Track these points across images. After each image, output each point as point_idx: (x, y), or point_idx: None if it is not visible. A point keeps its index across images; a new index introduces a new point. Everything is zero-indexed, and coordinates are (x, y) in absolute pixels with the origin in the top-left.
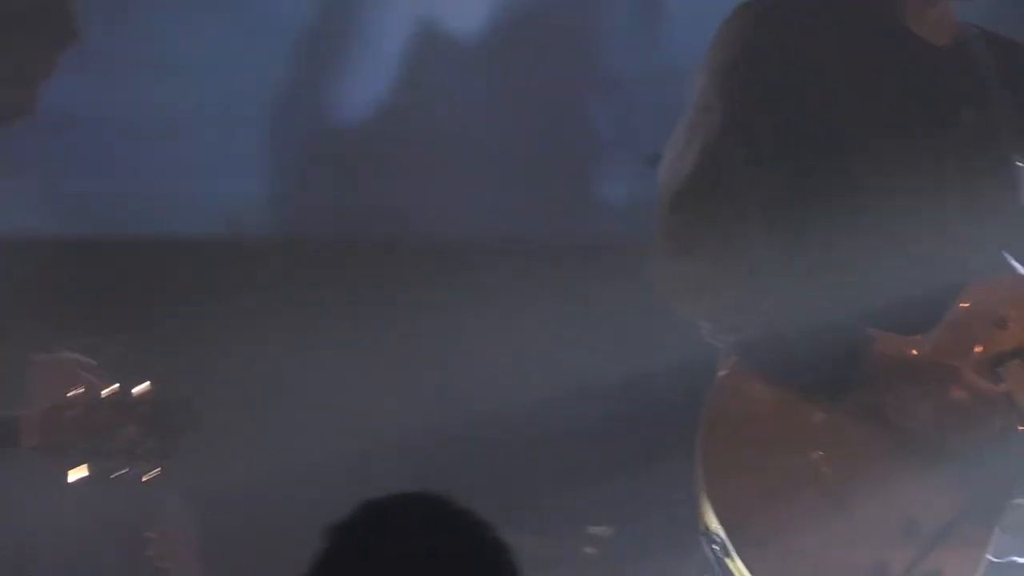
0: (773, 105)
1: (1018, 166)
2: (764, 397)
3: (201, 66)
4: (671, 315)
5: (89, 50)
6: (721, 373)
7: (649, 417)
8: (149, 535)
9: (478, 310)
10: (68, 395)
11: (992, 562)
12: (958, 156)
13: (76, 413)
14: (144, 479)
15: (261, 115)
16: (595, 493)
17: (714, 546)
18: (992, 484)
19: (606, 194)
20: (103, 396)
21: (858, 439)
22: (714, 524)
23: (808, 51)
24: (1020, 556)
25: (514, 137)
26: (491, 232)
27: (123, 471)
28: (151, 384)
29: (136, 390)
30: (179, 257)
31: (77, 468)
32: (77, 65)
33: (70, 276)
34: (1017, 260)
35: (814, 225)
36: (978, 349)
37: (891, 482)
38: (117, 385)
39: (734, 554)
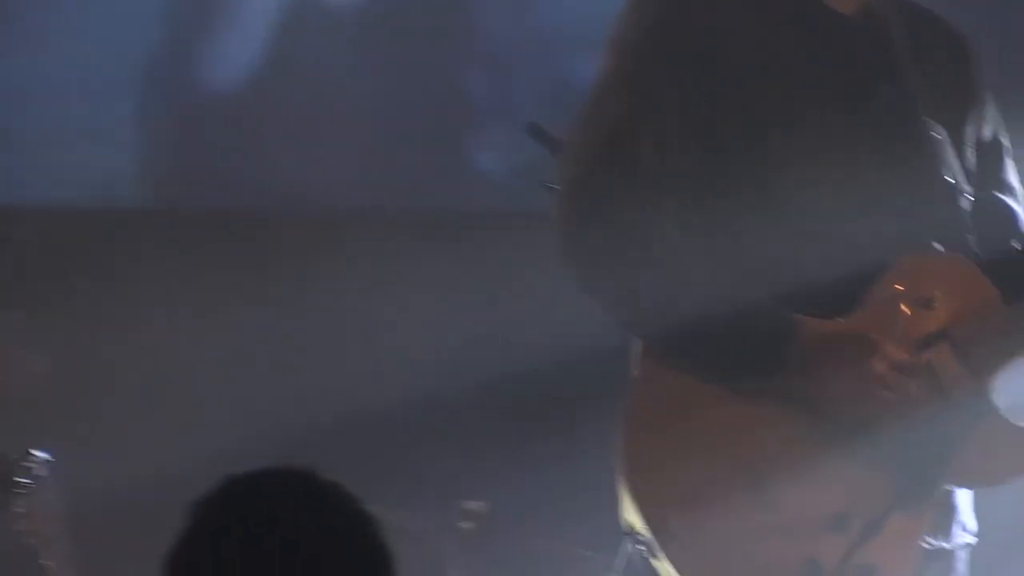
0: (683, 82)
1: (938, 139)
2: (686, 389)
3: (69, 34)
4: (548, 288)
5: None
6: (638, 363)
7: (525, 391)
8: (18, 510)
9: (351, 281)
10: None
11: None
12: (876, 131)
13: None
14: None
15: (133, 84)
16: (470, 467)
17: (639, 546)
18: (921, 472)
19: (481, 164)
20: None
21: (785, 429)
22: (639, 523)
23: (718, 26)
24: (945, 541)
25: (388, 107)
26: (365, 202)
27: None
28: None
29: None
30: (50, 227)
31: None
32: None
33: None
34: (942, 237)
35: (729, 206)
36: (904, 331)
37: (820, 473)
38: None
39: (660, 553)
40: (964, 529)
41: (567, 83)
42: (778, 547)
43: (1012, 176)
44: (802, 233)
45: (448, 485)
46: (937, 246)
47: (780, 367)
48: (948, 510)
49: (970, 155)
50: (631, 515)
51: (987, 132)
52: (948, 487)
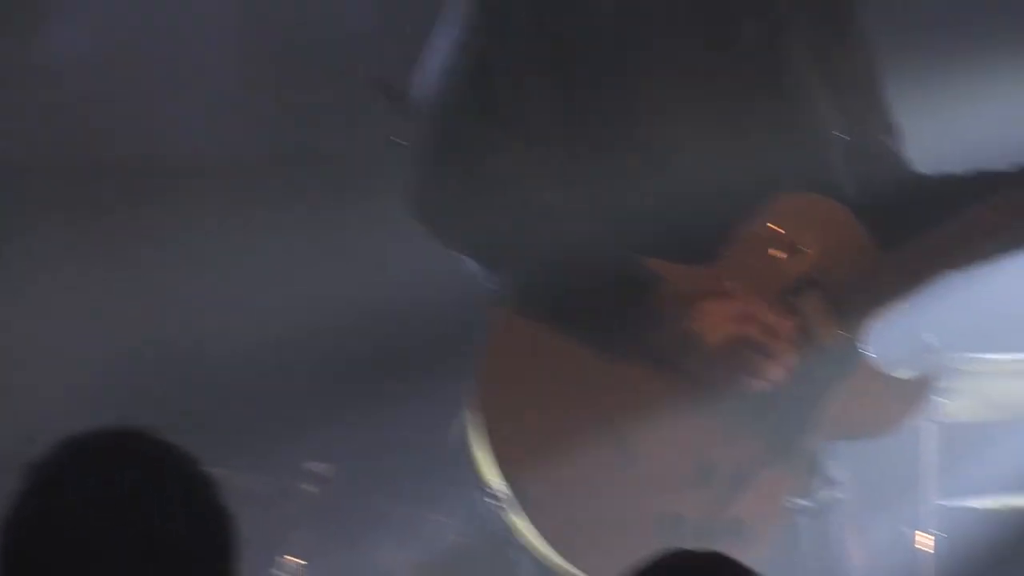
0: (539, 25)
1: (808, 77)
2: (544, 340)
3: None
4: (401, 241)
5: None
6: (495, 316)
7: (370, 352)
8: None
9: (194, 236)
10: None
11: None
12: (741, 69)
13: None
14: None
15: None
16: (314, 429)
17: (493, 501)
18: (790, 424)
19: (328, 113)
20: None
21: (646, 381)
22: (494, 478)
23: None
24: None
25: (238, 58)
26: (214, 152)
27: None
28: None
29: None
30: None
31: None
32: None
33: None
34: (812, 180)
35: (589, 150)
36: (771, 277)
37: (682, 427)
38: None
39: (515, 510)
40: (835, 484)
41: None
42: (639, 502)
43: (891, 114)
44: (665, 177)
45: (292, 447)
46: (807, 190)
47: (641, 316)
48: (817, 466)
49: (846, 93)
50: (485, 471)
51: (864, 69)
52: (819, 440)
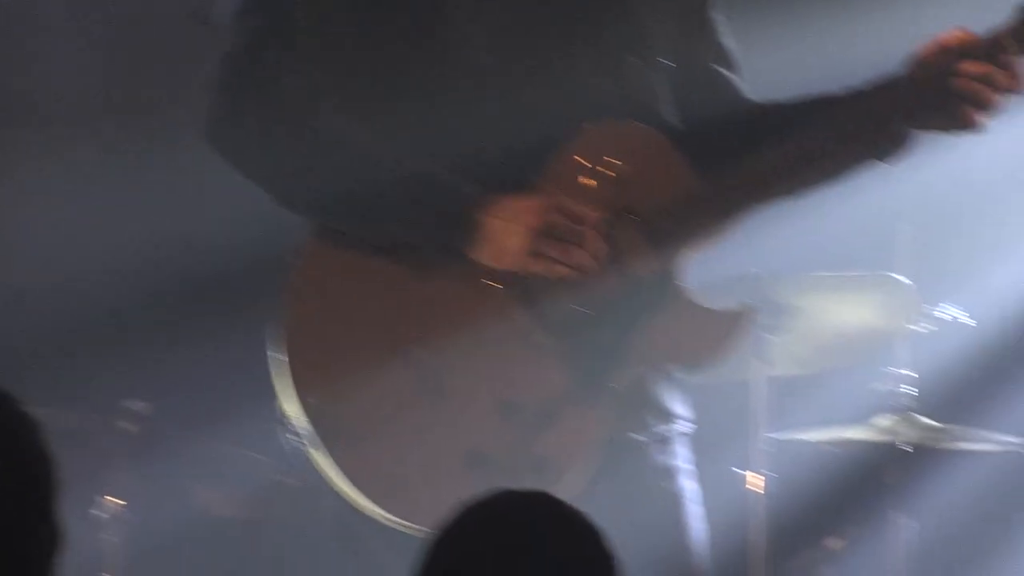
0: None
1: (634, 10)
2: (353, 270)
3: None
4: (218, 184)
5: None
6: (304, 244)
7: (187, 291)
8: None
9: (13, 176)
10: None
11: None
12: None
13: None
14: None
15: None
16: (133, 368)
17: (295, 436)
18: (598, 361)
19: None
20: None
21: (454, 316)
22: (296, 412)
23: None
24: (644, 432)
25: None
26: (42, 100)
27: None
28: None
29: None
30: None
31: None
32: None
33: None
34: (631, 109)
35: (398, 81)
36: (585, 204)
37: (489, 363)
38: None
39: (318, 444)
40: (673, 418)
41: None
42: (444, 437)
43: (725, 39)
44: (478, 105)
45: (109, 385)
46: (625, 117)
47: (452, 240)
48: (646, 400)
49: (675, 20)
50: (289, 405)
51: None
52: (636, 373)
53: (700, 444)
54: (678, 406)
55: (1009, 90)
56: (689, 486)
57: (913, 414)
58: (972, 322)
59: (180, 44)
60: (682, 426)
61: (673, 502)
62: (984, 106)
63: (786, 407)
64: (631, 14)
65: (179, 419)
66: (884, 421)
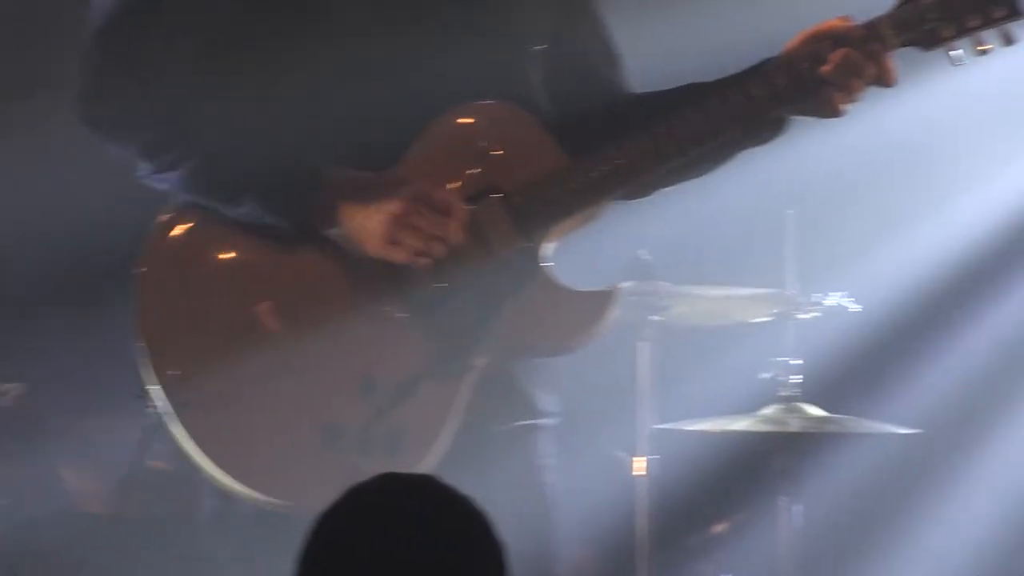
0: None
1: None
2: (214, 244)
3: None
4: (81, 163)
5: None
6: (162, 216)
7: (56, 269)
8: None
9: None
10: None
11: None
12: None
13: None
14: None
15: None
16: (3, 349)
17: (153, 407)
18: (458, 339)
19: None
20: None
21: (311, 289)
22: (153, 383)
23: None
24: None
25: None
26: None
27: None
28: None
29: None
30: None
31: None
32: None
33: None
34: (503, 91)
35: (261, 53)
36: (454, 184)
37: (347, 337)
38: None
39: (174, 416)
40: (538, 408)
41: None
42: (301, 411)
43: (604, 30)
44: (348, 84)
45: None
46: (497, 99)
47: (310, 220)
48: (510, 386)
49: (555, 8)
50: (147, 373)
51: None
52: (498, 354)
53: (587, 430)
54: (544, 398)
55: (878, 81)
56: (551, 479)
57: (799, 403)
58: (858, 308)
59: (56, 23)
60: (547, 419)
61: (536, 492)
62: (849, 95)
63: (674, 395)
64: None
65: (49, 399)
66: (771, 410)
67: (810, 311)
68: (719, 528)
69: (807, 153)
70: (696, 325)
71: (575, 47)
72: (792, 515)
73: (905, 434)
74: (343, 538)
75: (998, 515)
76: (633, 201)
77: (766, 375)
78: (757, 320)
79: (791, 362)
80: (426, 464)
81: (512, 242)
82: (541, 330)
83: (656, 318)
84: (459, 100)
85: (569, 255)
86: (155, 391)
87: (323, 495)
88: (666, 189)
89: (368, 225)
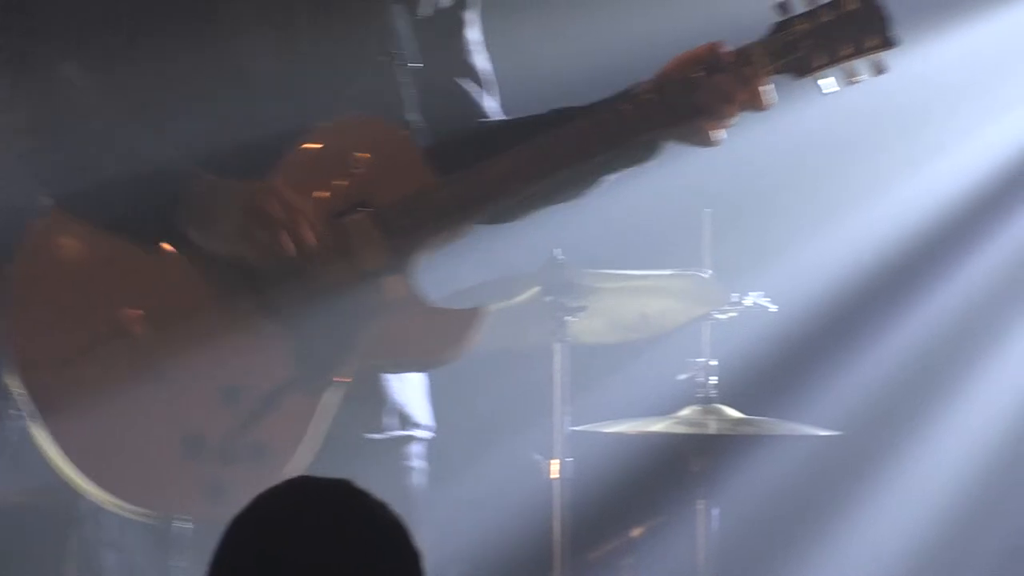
0: None
1: (387, 15)
2: (79, 248)
3: None
4: None
5: None
6: (40, 217)
7: None
8: None
9: None
10: None
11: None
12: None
13: None
14: None
15: None
16: None
17: (16, 411)
18: (322, 351)
19: None
20: None
21: (178, 296)
22: (17, 387)
23: None
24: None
25: None
26: None
27: None
28: None
29: None
30: None
31: None
32: None
33: None
34: (376, 107)
35: (136, 63)
36: (322, 196)
37: (212, 348)
38: None
39: (39, 421)
40: (412, 422)
41: None
42: (162, 419)
43: (477, 58)
44: (221, 91)
45: None
46: (370, 113)
47: (177, 229)
48: (380, 399)
49: (428, 30)
50: (11, 377)
51: (451, 10)
52: (363, 367)
53: (504, 432)
54: (417, 409)
55: (750, 107)
56: (420, 481)
57: (716, 404)
58: (774, 308)
59: None
60: (420, 430)
61: (400, 493)
62: (721, 120)
63: (591, 398)
64: (384, 16)
65: None
66: (688, 412)
67: (727, 311)
68: (636, 531)
69: (724, 153)
70: (615, 341)
71: (449, 68)
72: (710, 518)
73: (823, 436)
74: (255, 545)
75: (915, 516)
76: (499, 225)
77: (683, 376)
78: (677, 326)
79: (708, 363)
80: (288, 475)
81: (380, 257)
82: (406, 346)
83: (571, 319)
84: (332, 114)
85: (480, 258)
86: (19, 395)
87: (185, 504)
88: (534, 214)
89: (221, 222)
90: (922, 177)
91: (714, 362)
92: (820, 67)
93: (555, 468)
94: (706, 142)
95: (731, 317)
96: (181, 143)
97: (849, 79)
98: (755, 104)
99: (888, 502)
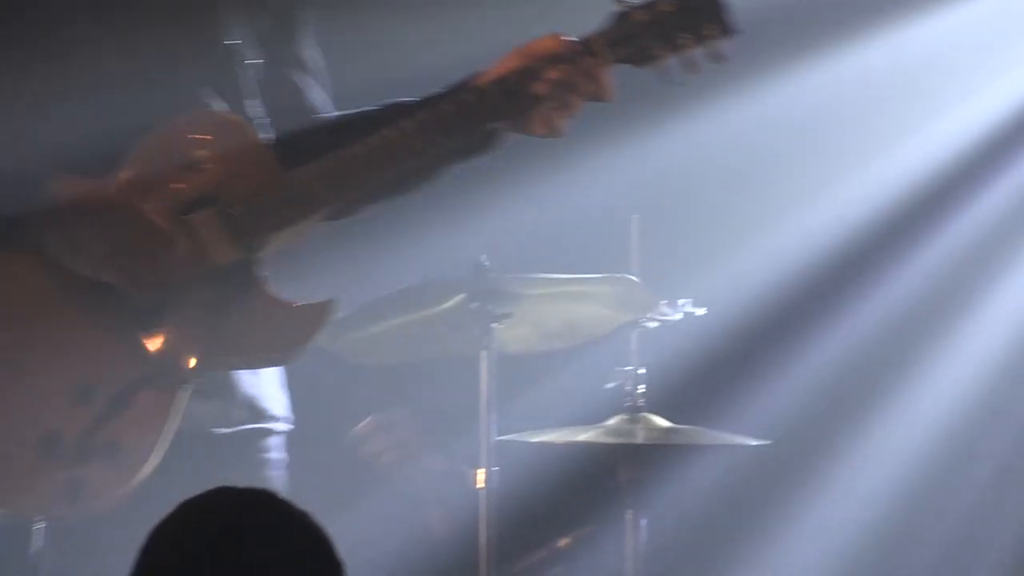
0: None
1: (229, 13)
2: None
3: None
4: None
5: None
6: None
7: None
8: None
9: None
10: None
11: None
12: None
13: None
14: None
15: None
16: None
17: None
18: (172, 348)
19: None
20: None
21: (32, 297)
22: None
23: None
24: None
25: None
26: None
27: None
28: None
29: None
30: None
31: None
32: None
33: None
34: (220, 101)
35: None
36: (165, 193)
37: (67, 346)
38: None
39: None
40: (266, 415)
41: None
42: (17, 418)
43: (310, 52)
44: (66, 89)
45: None
46: (212, 109)
47: (27, 223)
48: (229, 393)
49: (265, 25)
50: None
51: (286, 7)
52: (213, 362)
53: (429, 441)
54: (271, 401)
55: (593, 97)
56: (279, 474)
57: (645, 414)
58: (703, 311)
59: None
60: (276, 423)
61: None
62: (566, 111)
63: (518, 407)
64: (223, 12)
65: None
66: (616, 421)
67: (655, 320)
68: (564, 541)
69: (652, 156)
70: (542, 349)
71: (288, 63)
72: (638, 528)
73: (754, 445)
74: (177, 555)
75: (844, 526)
76: (339, 221)
77: (611, 385)
78: (604, 334)
79: (637, 372)
80: (144, 472)
81: (228, 252)
82: (257, 340)
83: (497, 326)
84: (178, 110)
85: (407, 261)
86: None
87: (40, 503)
88: (375, 207)
89: (85, 245)
90: (852, 181)
91: (642, 370)
92: (660, 56)
93: (481, 477)
94: (549, 132)
95: (660, 325)
96: (30, 145)
97: (687, 69)
98: (598, 94)
99: (818, 512)
